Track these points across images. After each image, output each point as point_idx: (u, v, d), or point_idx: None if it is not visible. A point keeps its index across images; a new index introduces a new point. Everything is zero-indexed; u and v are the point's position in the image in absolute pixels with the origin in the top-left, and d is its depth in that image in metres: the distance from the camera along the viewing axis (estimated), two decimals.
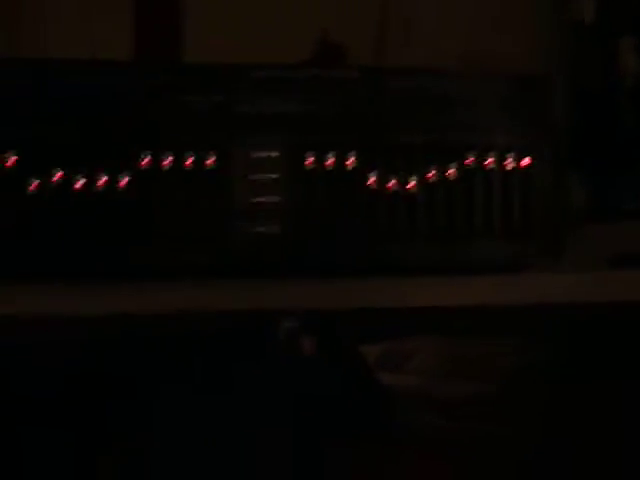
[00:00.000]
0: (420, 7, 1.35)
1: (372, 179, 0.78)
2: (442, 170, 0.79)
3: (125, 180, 0.75)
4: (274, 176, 0.77)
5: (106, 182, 0.75)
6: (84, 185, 0.74)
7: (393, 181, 0.78)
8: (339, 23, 1.33)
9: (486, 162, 0.79)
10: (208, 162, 0.76)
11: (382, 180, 0.78)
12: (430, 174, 0.78)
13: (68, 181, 0.74)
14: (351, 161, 0.78)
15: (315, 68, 0.79)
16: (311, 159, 0.77)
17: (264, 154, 0.77)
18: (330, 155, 0.78)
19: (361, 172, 0.78)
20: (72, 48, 1.24)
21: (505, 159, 0.79)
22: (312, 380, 1.00)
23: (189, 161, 0.76)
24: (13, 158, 0.74)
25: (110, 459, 0.97)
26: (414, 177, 0.78)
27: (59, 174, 0.74)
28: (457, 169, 0.79)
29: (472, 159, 0.79)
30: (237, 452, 0.96)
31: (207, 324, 0.93)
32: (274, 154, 0.77)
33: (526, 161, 0.79)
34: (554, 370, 1.09)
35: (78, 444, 0.95)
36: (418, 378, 1.12)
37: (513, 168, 0.79)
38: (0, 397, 0.93)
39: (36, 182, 0.74)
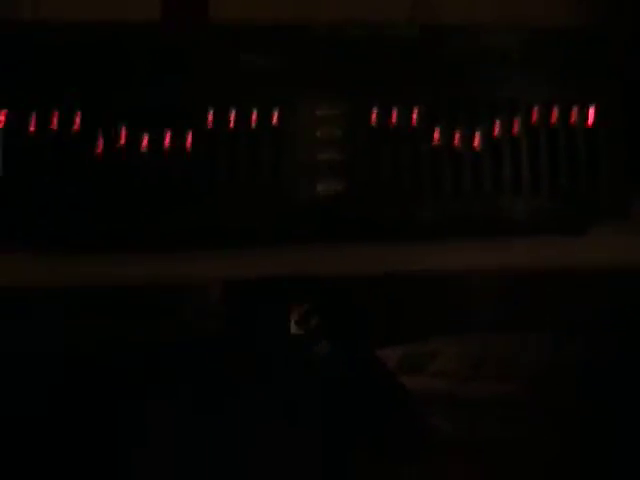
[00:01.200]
0: None
1: (436, 135, 0.77)
2: (507, 125, 0.78)
3: (190, 139, 0.74)
4: (339, 133, 0.77)
5: (171, 141, 0.74)
6: (149, 144, 0.74)
7: (457, 137, 0.77)
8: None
9: (551, 117, 0.78)
10: (273, 119, 0.75)
11: (446, 136, 0.77)
12: (495, 130, 0.78)
13: (134, 141, 0.74)
14: (414, 117, 0.77)
15: (376, 27, 0.78)
16: (375, 116, 0.77)
17: (329, 111, 0.76)
18: (394, 111, 0.77)
19: (425, 128, 0.77)
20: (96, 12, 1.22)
21: (570, 114, 0.78)
22: (330, 380, 0.98)
23: (253, 118, 0.75)
24: (78, 119, 0.73)
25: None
26: (478, 133, 0.77)
27: (124, 134, 0.74)
28: (521, 125, 0.78)
29: (536, 115, 0.78)
30: (245, 447, 0.94)
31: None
32: (338, 111, 0.77)
33: (591, 117, 0.78)
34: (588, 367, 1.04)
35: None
36: (441, 380, 1.09)
37: (578, 124, 0.78)
38: None
39: (101, 142, 0.73)
